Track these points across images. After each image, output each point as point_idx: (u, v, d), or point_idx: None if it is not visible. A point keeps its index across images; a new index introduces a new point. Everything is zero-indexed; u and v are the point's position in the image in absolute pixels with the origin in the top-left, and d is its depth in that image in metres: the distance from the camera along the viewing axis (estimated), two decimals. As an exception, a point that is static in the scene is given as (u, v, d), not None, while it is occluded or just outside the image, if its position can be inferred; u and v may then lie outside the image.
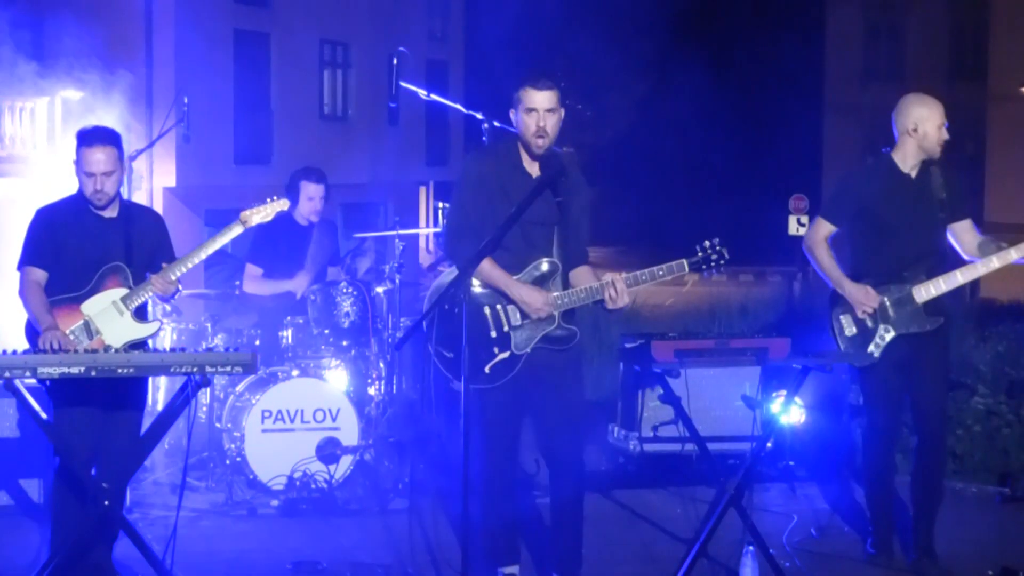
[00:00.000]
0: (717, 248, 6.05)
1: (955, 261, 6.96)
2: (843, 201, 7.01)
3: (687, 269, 6.01)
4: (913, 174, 6.89)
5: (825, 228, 6.99)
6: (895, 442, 7.15)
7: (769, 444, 7.34)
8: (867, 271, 6.86)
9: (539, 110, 6.02)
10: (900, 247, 6.84)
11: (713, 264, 6.03)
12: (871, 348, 6.80)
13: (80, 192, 6.35)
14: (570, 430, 6.23)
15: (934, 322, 6.83)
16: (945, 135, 6.85)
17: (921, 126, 6.81)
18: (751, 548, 6.28)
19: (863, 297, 6.80)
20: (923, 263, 6.84)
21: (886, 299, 6.80)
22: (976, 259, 6.86)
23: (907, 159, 6.88)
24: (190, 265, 6.48)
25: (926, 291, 6.79)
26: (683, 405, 6.58)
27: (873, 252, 6.88)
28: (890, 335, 6.80)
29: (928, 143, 6.83)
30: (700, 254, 6.05)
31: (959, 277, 6.83)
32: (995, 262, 6.77)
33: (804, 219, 30.12)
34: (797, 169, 42.66)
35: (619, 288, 5.98)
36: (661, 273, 6.02)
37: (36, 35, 9.52)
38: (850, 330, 6.85)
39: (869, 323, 6.82)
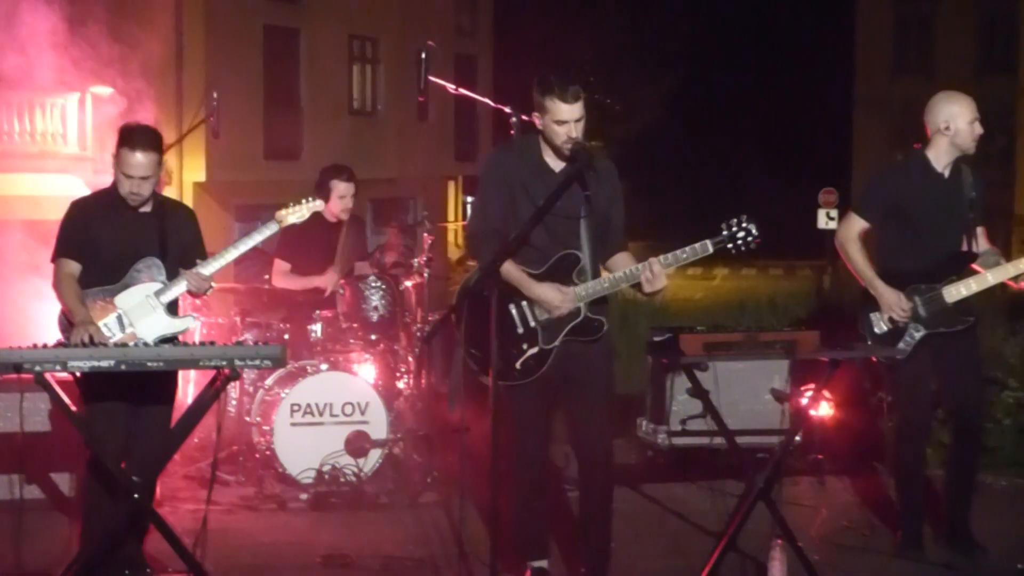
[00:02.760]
0: (744, 225, 5.93)
1: None
2: (876, 197, 6.96)
3: (711, 249, 5.92)
4: (946, 173, 6.85)
5: (857, 224, 6.95)
6: (926, 436, 7.13)
7: (798, 437, 7.31)
8: (897, 269, 6.82)
9: (569, 122, 5.93)
10: (931, 246, 6.81)
11: (740, 242, 5.93)
12: (901, 345, 6.77)
13: (115, 185, 6.35)
14: (599, 423, 6.20)
15: (964, 321, 6.81)
16: (978, 130, 6.80)
17: (953, 123, 6.77)
18: (780, 541, 6.26)
19: (896, 303, 6.76)
20: (953, 263, 6.81)
21: (917, 298, 6.77)
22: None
23: (940, 158, 6.84)
24: (223, 263, 6.50)
25: (956, 291, 6.77)
26: (712, 398, 6.56)
27: (904, 250, 6.84)
28: (920, 333, 6.78)
29: (961, 139, 6.78)
30: (725, 232, 5.94)
31: (989, 278, 6.79)
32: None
33: (833, 213, 29.97)
34: (826, 162, 42.54)
35: (655, 270, 5.94)
36: (684, 255, 5.93)
37: (66, 32, 9.56)
38: (880, 328, 6.83)
39: (900, 322, 6.80)
